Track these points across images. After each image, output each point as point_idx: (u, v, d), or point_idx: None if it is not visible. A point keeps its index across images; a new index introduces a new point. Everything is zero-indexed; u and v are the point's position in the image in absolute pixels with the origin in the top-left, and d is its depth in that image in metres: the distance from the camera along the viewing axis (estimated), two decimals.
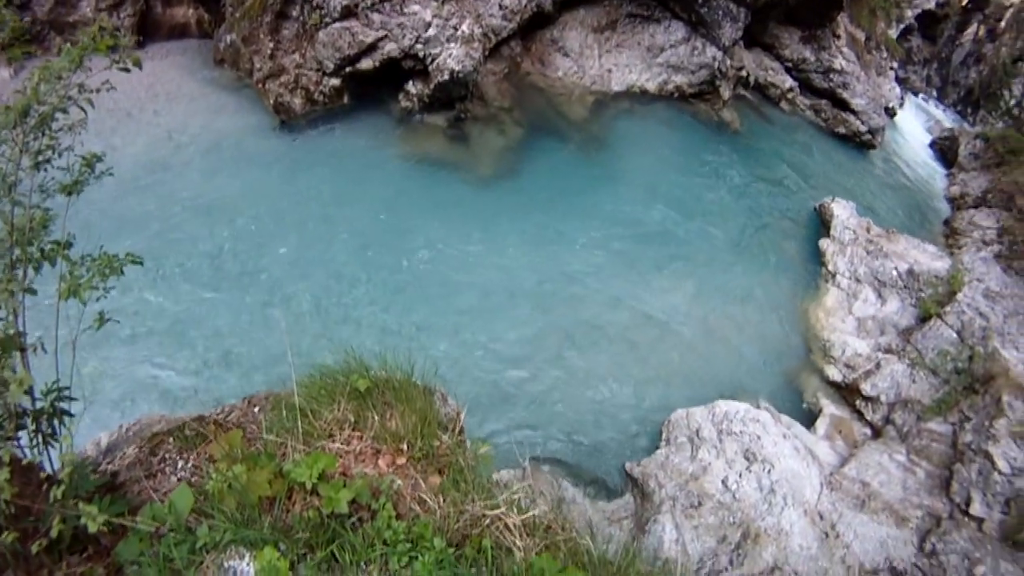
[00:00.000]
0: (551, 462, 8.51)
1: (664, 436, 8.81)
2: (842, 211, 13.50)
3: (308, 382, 4.33)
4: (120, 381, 8.45)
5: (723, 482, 7.97)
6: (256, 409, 4.22)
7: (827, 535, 7.99)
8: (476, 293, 10.58)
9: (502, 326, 10.17)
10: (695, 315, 11.21)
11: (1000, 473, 8.91)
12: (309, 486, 3.24)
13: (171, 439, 3.81)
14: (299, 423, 3.80)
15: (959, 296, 11.64)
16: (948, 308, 11.40)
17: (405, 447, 3.96)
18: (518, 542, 3.38)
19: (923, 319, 11.51)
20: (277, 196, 11.45)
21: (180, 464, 3.67)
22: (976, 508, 8.71)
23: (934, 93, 42.93)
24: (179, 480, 3.57)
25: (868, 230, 13.02)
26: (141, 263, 3.52)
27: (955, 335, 10.93)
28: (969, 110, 34.87)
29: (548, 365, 9.77)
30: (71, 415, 3.25)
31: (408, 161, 12.73)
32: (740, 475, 8.06)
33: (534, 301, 10.64)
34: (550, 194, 12.71)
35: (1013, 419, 9.52)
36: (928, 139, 23.87)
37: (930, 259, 12.64)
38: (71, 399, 3.29)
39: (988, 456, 9.06)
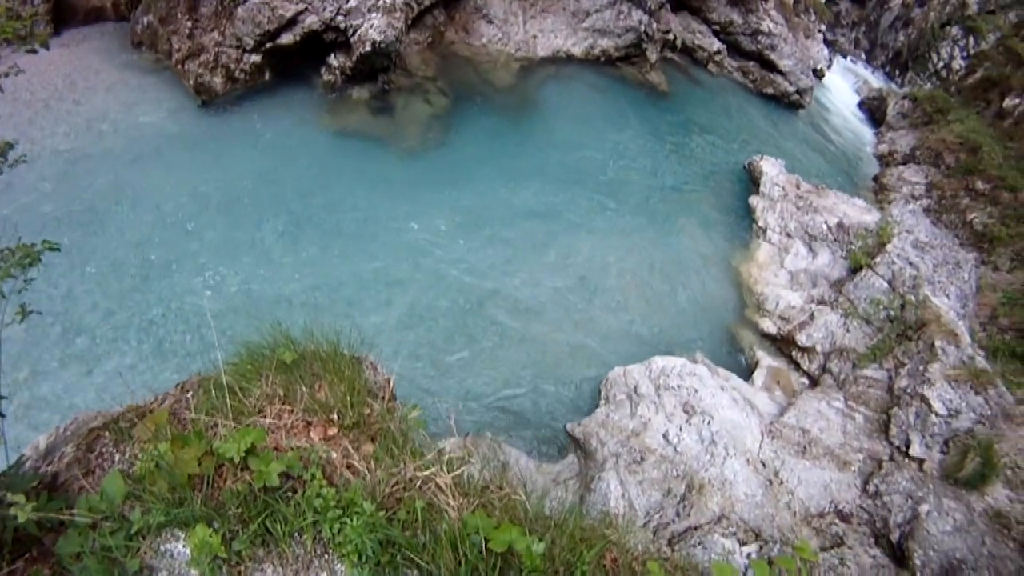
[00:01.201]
0: (493, 428, 8.83)
1: (603, 395, 9.23)
2: (771, 168, 14.25)
3: (237, 361, 4.50)
4: (55, 381, 8.52)
5: (664, 436, 8.44)
6: (189, 394, 4.32)
7: (771, 482, 8.57)
8: (407, 266, 10.79)
9: (434, 296, 10.43)
10: (629, 274, 11.70)
11: (937, 415, 9.67)
12: (238, 461, 3.37)
13: (107, 433, 3.89)
14: (228, 401, 3.93)
15: (889, 247, 12.47)
16: (878, 259, 12.20)
17: (336, 417, 4.15)
18: (451, 502, 3.59)
19: (854, 270, 12.28)
20: (202, 179, 11.51)
21: (117, 457, 3.75)
22: (916, 449, 9.44)
23: (862, 55, 45.22)
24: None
25: (797, 186, 13.81)
26: (58, 249, 3.59)
27: (886, 284, 11.74)
28: (897, 72, 36.88)
29: (484, 332, 10.09)
30: (2, 415, 3.30)
31: (333, 136, 12.83)
32: (680, 428, 8.54)
33: (466, 269, 10.91)
34: (478, 162, 12.99)
35: (947, 363, 10.35)
36: (856, 99, 25.27)
37: (859, 213, 13.50)
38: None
39: (924, 399, 9.82)
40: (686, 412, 8.71)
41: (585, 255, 11.75)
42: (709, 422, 8.60)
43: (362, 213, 11.35)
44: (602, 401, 9.15)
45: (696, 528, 7.74)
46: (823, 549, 8.01)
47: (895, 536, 8.31)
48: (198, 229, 10.70)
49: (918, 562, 7.88)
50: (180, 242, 10.47)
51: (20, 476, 3.20)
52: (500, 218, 11.91)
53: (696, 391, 8.90)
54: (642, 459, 8.16)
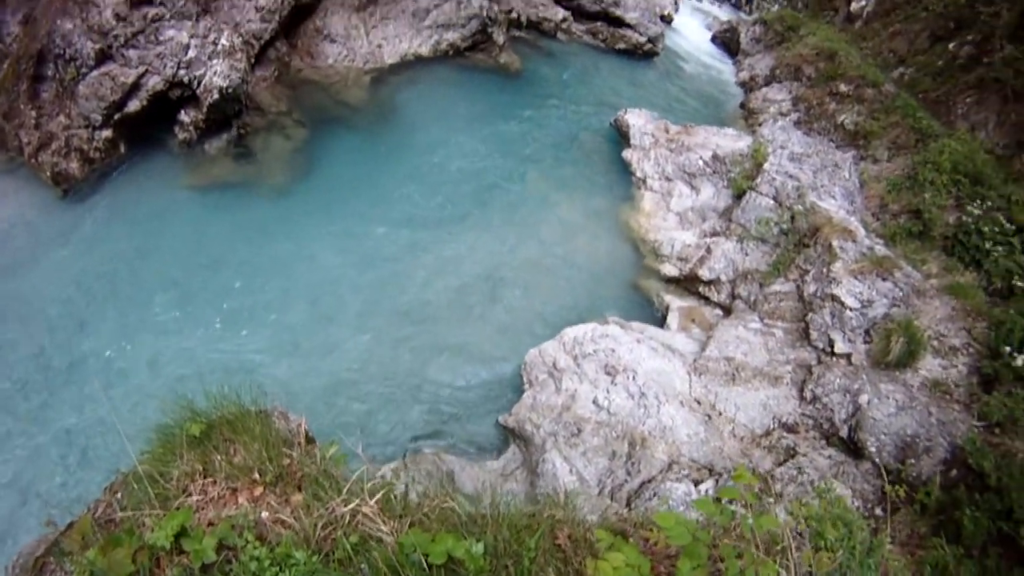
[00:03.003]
0: (429, 443, 9.29)
1: (525, 380, 9.76)
2: (637, 119, 15.27)
3: (151, 448, 4.73)
4: None
5: (594, 402, 9.02)
6: (118, 494, 4.52)
7: (709, 416, 9.27)
8: (303, 305, 11.11)
9: (338, 329, 10.79)
10: (523, 259, 12.36)
11: (851, 310, 10.61)
12: (170, 547, 3.57)
13: (51, 558, 4.08)
14: (150, 490, 4.14)
15: (766, 166, 13.53)
16: (759, 180, 13.23)
17: (258, 476, 4.40)
18: (383, 527, 3.85)
19: (738, 196, 13.30)
20: (82, 271, 11.55)
21: None
22: (840, 347, 10.35)
23: None
24: None
25: (667, 130, 14.86)
26: None
27: (772, 201, 12.77)
28: (743, 1, 39.52)
29: (393, 352, 10.48)
30: None
31: (201, 193, 12.98)
32: (608, 391, 9.14)
33: (359, 295, 11.31)
34: (348, 185, 13.41)
35: (848, 259, 11.38)
36: (709, 35, 27.07)
37: (732, 141, 14.62)
38: None
39: (835, 298, 10.75)
40: (609, 374, 9.33)
41: (476, 251, 12.32)
42: (634, 377, 9.24)
43: (247, 265, 11.58)
44: (526, 386, 9.67)
45: (649, 481, 8.32)
46: (778, 464, 8.71)
47: (844, 432, 9.09)
48: (91, 323, 10.77)
49: (872, 449, 8.69)
50: (76, 342, 10.53)
51: None
52: (383, 236, 12.33)
53: (613, 351, 9.55)
54: (579, 431, 8.71)
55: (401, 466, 8.68)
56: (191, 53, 13.18)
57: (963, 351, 10.14)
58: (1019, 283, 11.37)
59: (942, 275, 11.78)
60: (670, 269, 12.40)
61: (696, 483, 8.21)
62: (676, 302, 11.86)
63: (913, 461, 8.47)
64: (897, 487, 8.21)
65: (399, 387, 10.07)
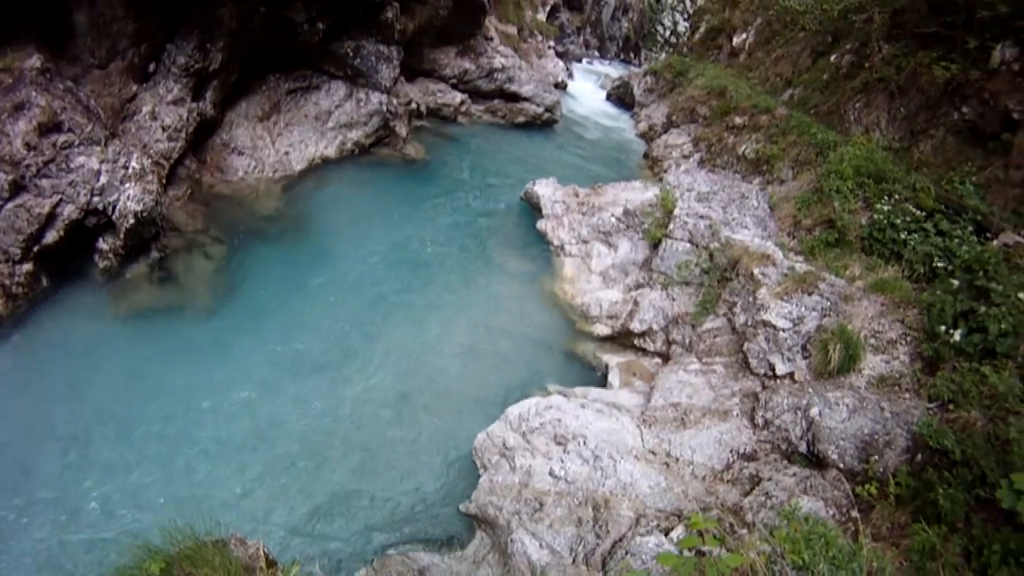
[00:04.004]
0: (394, 545, 9.49)
1: (479, 464, 10.05)
2: (545, 189, 16.19)
3: None
4: None
5: (551, 474, 9.34)
6: None
7: (667, 464, 9.65)
8: (244, 428, 11.14)
9: (284, 444, 10.93)
10: (455, 347, 12.81)
11: (784, 331, 11.17)
12: None
13: None
14: None
15: (676, 212, 14.32)
16: (671, 226, 14.00)
17: None
18: None
19: (655, 246, 14.06)
20: (15, 414, 11.37)
21: None
22: (781, 368, 10.88)
23: (595, 54, 51.11)
24: None
25: (576, 195, 15.75)
26: None
27: (688, 244, 13.51)
28: (632, 56, 41.95)
29: (344, 461, 10.68)
30: None
31: (128, 322, 13.02)
32: (562, 460, 9.48)
33: (299, 408, 11.49)
34: (273, 298, 13.74)
35: (771, 283, 12.06)
36: (603, 94, 28.77)
37: (640, 193, 15.51)
38: None
39: (766, 323, 11.30)
40: (559, 443, 9.71)
41: (407, 347, 12.70)
42: (584, 442, 9.63)
43: (183, 391, 11.62)
44: (481, 470, 9.97)
45: (621, 539, 8.58)
46: (745, 494, 9.04)
47: (803, 448, 9.49)
48: (33, 467, 10.62)
49: (834, 456, 9.12)
50: (23, 487, 10.32)
51: None
52: (313, 346, 12.62)
53: (560, 420, 9.96)
54: (541, 505, 9.02)
55: (370, 573, 8.94)
56: (103, 179, 13.43)
57: (901, 341, 10.75)
58: (939, 264, 12.14)
59: (866, 275, 12.47)
60: (602, 329, 13.01)
61: (666, 532, 8.50)
62: (614, 359, 12.41)
63: (877, 457, 8.92)
64: (867, 485, 8.72)
65: (356, 495, 10.24)
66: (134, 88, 14.95)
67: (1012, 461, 7.88)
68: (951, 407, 9.26)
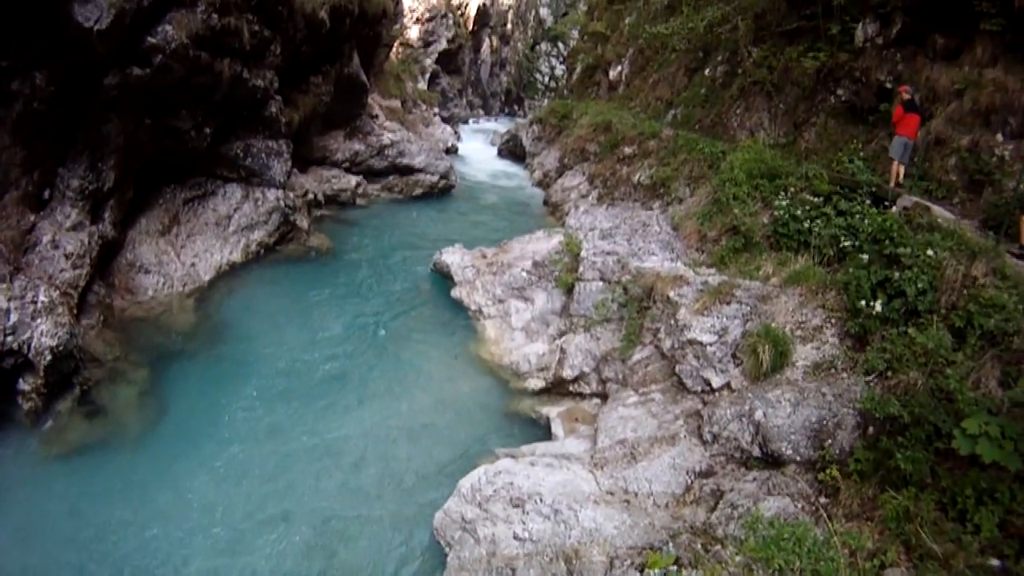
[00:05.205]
0: None
1: (443, 543, 10.08)
2: (453, 257, 16.63)
3: None
4: None
5: (515, 538, 9.44)
6: None
7: (628, 502, 9.87)
8: (203, 550, 11.10)
9: (248, 562, 10.84)
10: (393, 427, 12.96)
11: (710, 345, 11.62)
12: None
13: None
14: None
15: (583, 254, 14.90)
16: (581, 269, 14.57)
17: None
18: None
19: (568, 291, 14.58)
20: None
21: None
22: (716, 381, 11.32)
23: (480, 112, 52.72)
24: None
25: (484, 256, 16.21)
26: None
27: (600, 283, 14.02)
28: (516, 107, 43.37)
29: (305, 563, 10.62)
30: None
31: (61, 463, 12.53)
32: (523, 522, 9.60)
33: (256, 531, 11.40)
34: (204, 416, 13.53)
35: (688, 302, 12.55)
36: (494, 151, 29.69)
37: (545, 243, 16.02)
38: None
39: (692, 342, 11.75)
40: (517, 506, 9.84)
41: (350, 440, 12.72)
42: (541, 499, 9.81)
43: (129, 527, 11.35)
44: (447, 549, 9.97)
45: None
46: (711, 510, 9.31)
47: (756, 452, 9.85)
48: None
49: (789, 451, 9.54)
50: None
51: None
52: (248, 458, 12.41)
53: (512, 483, 10.11)
54: (513, 570, 9.08)
55: None
56: (13, 317, 13.11)
57: (826, 326, 11.34)
58: (846, 243, 12.79)
59: (779, 271, 13.06)
60: (535, 383, 13.29)
61: (641, 569, 8.74)
62: (554, 410, 12.66)
63: (830, 441, 9.36)
64: (828, 470, 9.10)
65: None
66: (31, 218, 14.70)
67: (959, 409, 8.41)
68: (889, 375, 9.80)
